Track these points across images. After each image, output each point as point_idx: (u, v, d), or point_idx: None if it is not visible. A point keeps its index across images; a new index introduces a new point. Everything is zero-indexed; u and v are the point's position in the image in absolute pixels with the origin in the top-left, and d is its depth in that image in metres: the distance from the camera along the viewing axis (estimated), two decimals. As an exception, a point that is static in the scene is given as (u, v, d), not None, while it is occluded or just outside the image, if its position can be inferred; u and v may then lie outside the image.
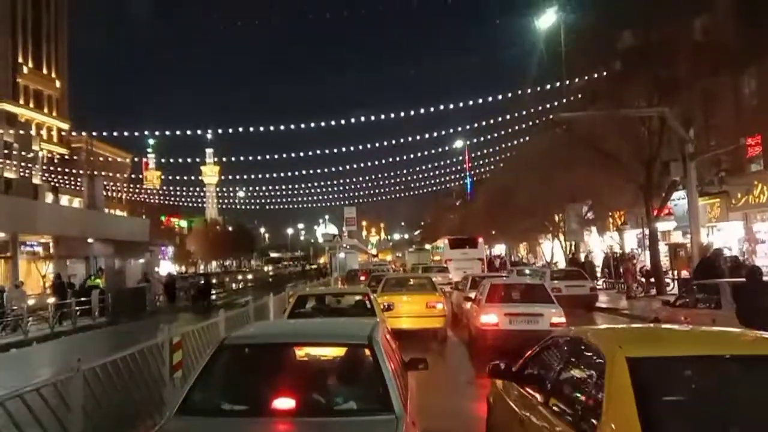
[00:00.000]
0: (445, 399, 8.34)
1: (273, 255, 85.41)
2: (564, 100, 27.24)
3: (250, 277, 67.44)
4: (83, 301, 23.97)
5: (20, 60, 64.88)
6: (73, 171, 50.19)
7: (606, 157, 24.16)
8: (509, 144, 36.99)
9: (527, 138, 34.84)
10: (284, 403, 3.97)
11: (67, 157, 67.25)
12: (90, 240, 25.64)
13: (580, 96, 27.75)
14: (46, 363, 14.79)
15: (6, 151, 50.20)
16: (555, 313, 12.15)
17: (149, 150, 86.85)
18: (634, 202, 27.74)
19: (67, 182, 51.01)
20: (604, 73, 24.59)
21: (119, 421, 5.87)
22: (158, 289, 29.95)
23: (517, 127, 32.83)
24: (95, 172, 39.78)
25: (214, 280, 41.46)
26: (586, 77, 25.18)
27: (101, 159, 62.24)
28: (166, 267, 70.67)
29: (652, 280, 25.44)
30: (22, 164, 49.93)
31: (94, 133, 46.34)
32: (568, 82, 25.39)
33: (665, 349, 3.92)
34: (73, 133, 64.38)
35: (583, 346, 4.26)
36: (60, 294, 23.90)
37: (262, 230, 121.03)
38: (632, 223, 29.28)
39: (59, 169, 53.86)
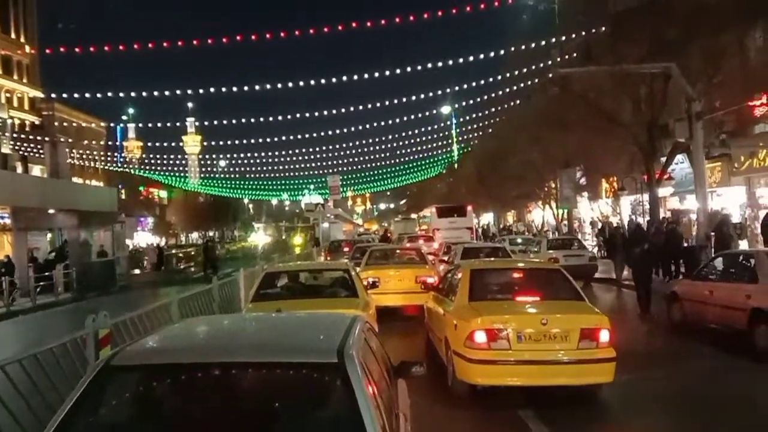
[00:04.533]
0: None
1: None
2: (558, 59, 25.68)
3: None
4: (47, 276, 22.40)
5: (-14, 23, 61.81)
6: (45, 139, 47.90)
7: (604, 118, 22.64)
8: (499, 108, 35.36)
9: (518, 101, 33.30)
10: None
11: (38, 124, 64.68)
12: (51, 210, 23.81)
13: (575, 55, 26.19)
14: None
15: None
16: None
17: (125, 118, 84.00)
18: (630, 166, 26.42)
19: (37, 151, 48.65)
20: (603, 29, 22.93)
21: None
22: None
23: (507, 89, 31.18)
24: (63, 139, 37.62)
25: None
26: (584, 32, 23.52)
27: (74, 125, 59.74)
28: (146, 238, 68.93)
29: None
30: (-10, 132, 47.39)
31: (64, 96, 43.74)
32: (564, 37, 23.72)
33: (484, 266, 10.19)
34: (43, 97, 61.57)
35: (458, 267, 9.47)
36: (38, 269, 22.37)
37: (246, 200, 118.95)
38: (630, 188, 27.93)
39: (30, 137, 51.42)
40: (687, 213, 24.49)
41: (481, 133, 42.51)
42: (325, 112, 36.22)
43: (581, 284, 15.78)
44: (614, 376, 6.95)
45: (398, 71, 27.57)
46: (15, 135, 54.18)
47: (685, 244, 20.95)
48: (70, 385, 5.05)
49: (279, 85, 28.61)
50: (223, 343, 3.52)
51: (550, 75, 22.91)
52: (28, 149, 49.72)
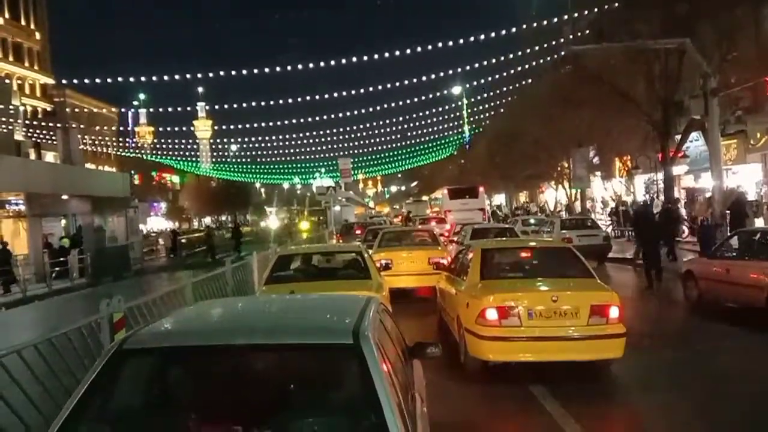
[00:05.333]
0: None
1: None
2: (570, 37, 25.31)
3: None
4: (62, 262, 22.63)
5: (-4, 10, 61.87)
6: (58, 125, 48.00)
7: (618, 96, 22.37)
8: (511, 87, 35.01)
9: (530, 80, 32.95)
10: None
11: (50, 111, 64.95)
12: (65, 196, 23.93)
13: (587, 32, 25.80)
14: None
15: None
16: None
17: (136, 103, 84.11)
18: (644, 144, 26.15)
19: (50, 138, 48.85)
20: (616, 4, 22.54)
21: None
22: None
23: (519, 68, 30.82)
24: (75, 125, 37.70)
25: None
26: (596, 9, 23.13)
27: (86, 111, 59.85)
28: (159, 223, 69.39)
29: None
30: (2, 120, 47.58)
31: (75, 82, 43.80)
32: (576, 14, 23.35)
33: (495, 245, 9.96)
34: (54, 83, 61.67)
35: (469, 247, 9.51)
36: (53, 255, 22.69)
37: (258, 184, 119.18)
38: (644, 167, 27.67)
39: (42, 123, 51.64)
40: (702, 191, 24.22)
41: (492, 114, 42.18)
42: (336, 95, 35.93)
43: (595, 264, 15.74)
44: (625, 352, 7.01)
45: (408, 51, 27.25)
46: (27, 122, 54.52)
47: (700, 223, 20.75)
48: (86, 369, 5.09)
49: (288, 68, 28.39)
50: (237, 325, 3.47)
51: (563, 53, 22.60)
52: (41, 136, 49.98)
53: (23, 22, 65.78)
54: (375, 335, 2.98)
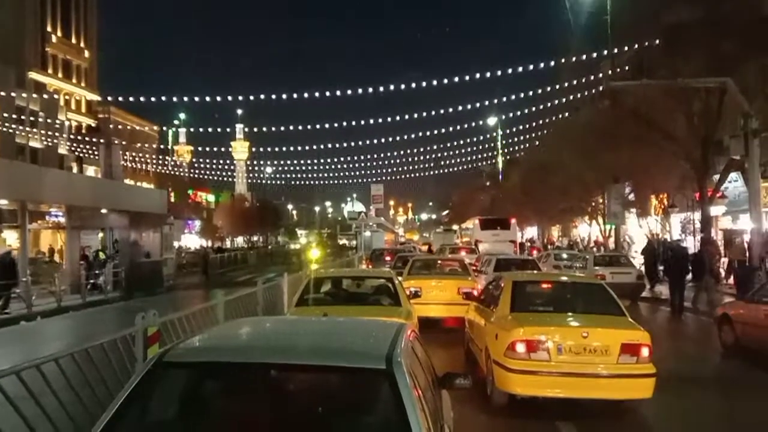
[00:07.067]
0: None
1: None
2: (609, 72, 25.24)
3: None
4: (97, 275, 23.06)
5: (49, 29, 64.16)
6: (101, 141, 49.30)
7: (656, 132, 22.15)
8: (546, 120, 34.89)
9: (566, 114, 32.84)
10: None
11: (94, 127, 66.77)
12: (104, 210, 24.50)
13: (626, 68, 25.72)
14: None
15: (32, 119, 49.44)
16: None
17: (176, 122, 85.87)
18: (681, 183, 25.78)
19: (92, 153, 50.19)
20: (656, 42, 22.44)
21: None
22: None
23: (556, 101, 30.74)
24: (117, 141, 38.70)
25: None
26: (636, 45, 23.04)
27: (128, 128, 61.37)
28: (193, 241, 70.29)
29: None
30: (48, 133, 49.10)
31: (120, 99, 45.06)
32: (616, 50, 23.27)
33: (526, 278, 9.88)
34: (100, 100, 63.42)
35: (500, 279, 9.17)
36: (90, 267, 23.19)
37: (290, 207, 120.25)
38: (681, 206, 27.21)
39: (86, 138, 53.10)
40: (740, 233, 23.70)
41: (527, 145, 42.02)
42: (371, 121, 36.14)
43: (628, 303, 15.48)
44: (655, 394, 6.89)
45: (445, 81, 27.43)
46: (72, 136, 56.13)
47: (737, 265, 20.31)
48: (118, 380, 5.21)
49: (327, 93, 28.80)
50: (275, 344, 3.53)
51: (602, 88, 22.53)
52: (84, 150, 51.34)
53: (74, 41, 68.07)
54: (407, 361, 3.00)
